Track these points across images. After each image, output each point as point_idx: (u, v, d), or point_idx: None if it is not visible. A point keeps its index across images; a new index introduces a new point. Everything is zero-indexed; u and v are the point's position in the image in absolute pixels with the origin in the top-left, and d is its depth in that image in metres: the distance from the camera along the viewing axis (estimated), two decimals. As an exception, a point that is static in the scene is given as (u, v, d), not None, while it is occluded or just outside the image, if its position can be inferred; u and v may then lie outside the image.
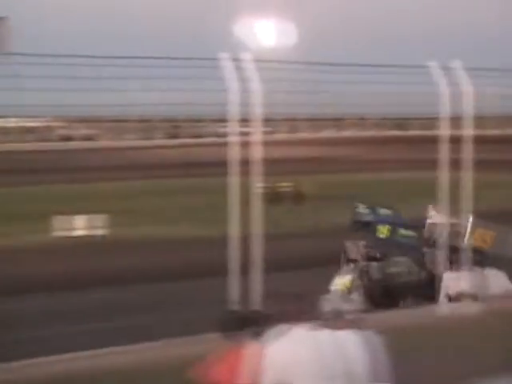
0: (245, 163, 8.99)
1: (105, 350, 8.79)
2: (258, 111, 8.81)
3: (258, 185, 26.12)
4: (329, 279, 10.81)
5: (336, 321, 4.89)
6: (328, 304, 5.00)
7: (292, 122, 62.64)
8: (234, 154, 8.88)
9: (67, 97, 8.68)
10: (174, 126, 64.23)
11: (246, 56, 8.90)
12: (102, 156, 45.42)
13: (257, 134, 8.90)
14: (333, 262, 12.70)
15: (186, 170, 34.74)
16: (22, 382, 7.84)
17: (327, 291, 5.29)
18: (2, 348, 8.70)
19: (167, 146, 53.38)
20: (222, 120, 10.92)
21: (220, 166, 10.88)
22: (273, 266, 11.31)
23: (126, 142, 54.82)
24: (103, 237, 18.70)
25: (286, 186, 26.29)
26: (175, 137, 61.44)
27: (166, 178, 32.15)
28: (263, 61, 10.28)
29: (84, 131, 65.71)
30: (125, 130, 61.31)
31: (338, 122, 64.33)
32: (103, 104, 8.98)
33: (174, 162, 39.69)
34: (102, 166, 36.34)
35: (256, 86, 8.77)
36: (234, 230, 8.91)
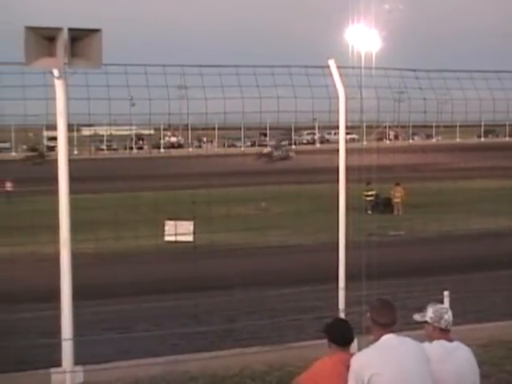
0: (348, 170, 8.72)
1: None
2: (342, 118, 8.63)
3: (365, 193, 25.66)
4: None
5: (447, 332, 4.68)
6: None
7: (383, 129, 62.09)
8: (340, 160, 8.65)
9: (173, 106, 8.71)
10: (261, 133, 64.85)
11: (332, 62, 8.74)
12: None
13: (344, 141, 8.71)
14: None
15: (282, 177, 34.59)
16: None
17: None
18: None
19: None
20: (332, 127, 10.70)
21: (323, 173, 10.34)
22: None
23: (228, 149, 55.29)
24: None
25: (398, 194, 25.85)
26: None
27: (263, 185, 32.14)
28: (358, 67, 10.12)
29: (173, 139, 67.07)
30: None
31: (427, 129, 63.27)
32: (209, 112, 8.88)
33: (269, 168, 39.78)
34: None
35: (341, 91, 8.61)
36: (341, 237, 8.60)
